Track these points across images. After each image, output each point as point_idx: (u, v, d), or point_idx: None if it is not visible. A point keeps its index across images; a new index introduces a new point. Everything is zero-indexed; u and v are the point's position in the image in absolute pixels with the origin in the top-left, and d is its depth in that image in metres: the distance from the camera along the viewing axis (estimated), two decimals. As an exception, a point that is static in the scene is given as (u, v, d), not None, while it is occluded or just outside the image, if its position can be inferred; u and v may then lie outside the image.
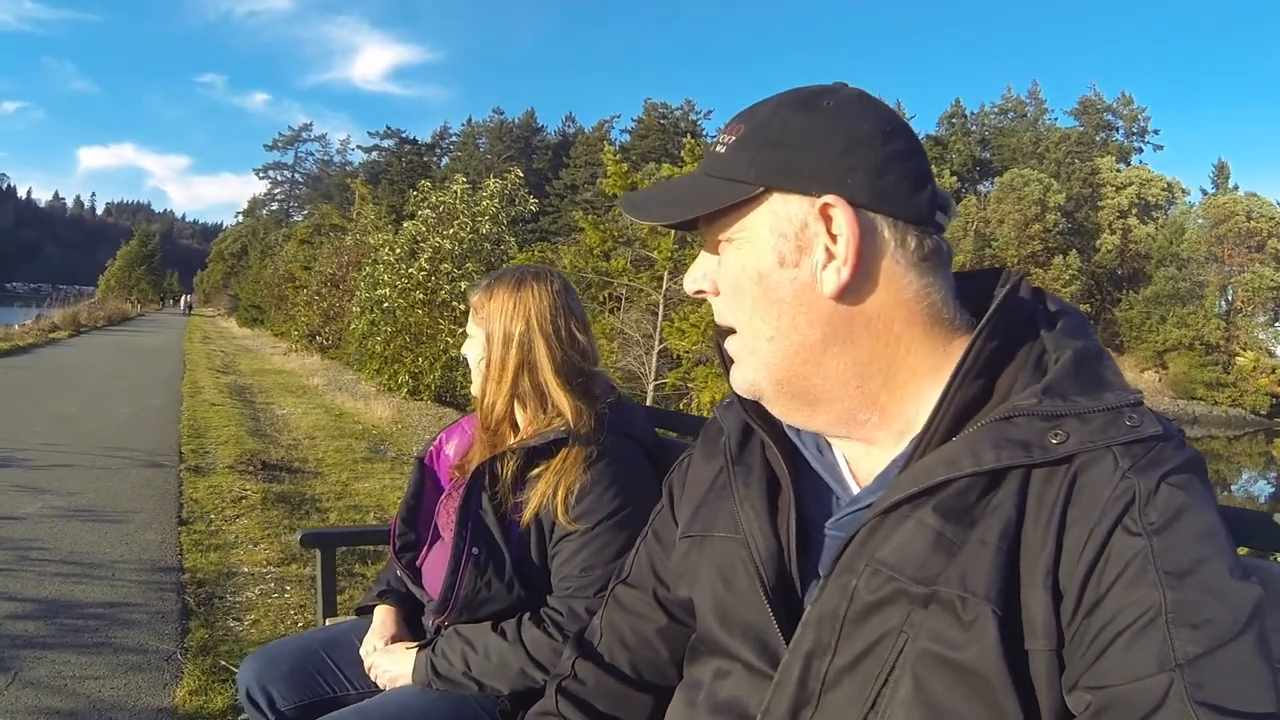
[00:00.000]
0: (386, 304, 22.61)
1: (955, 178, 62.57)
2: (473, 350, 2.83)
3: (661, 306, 19.51)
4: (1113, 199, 79.01)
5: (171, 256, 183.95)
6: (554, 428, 2.64)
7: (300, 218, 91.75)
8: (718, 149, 1.47)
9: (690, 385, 18.32)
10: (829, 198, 1.37)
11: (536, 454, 2.63)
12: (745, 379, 1.47)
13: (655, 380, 19.82)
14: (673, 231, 19.35)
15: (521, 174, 26.38)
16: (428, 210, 24.16)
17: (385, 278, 23.04)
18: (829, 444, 1.54)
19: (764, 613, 1.45)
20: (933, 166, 1.48)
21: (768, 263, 1.42)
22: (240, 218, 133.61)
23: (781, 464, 1.53)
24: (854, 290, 1.38)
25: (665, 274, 19.05)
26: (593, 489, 2.56)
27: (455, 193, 24.14)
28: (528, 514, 2.59)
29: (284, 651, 2.85)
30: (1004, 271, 1.52)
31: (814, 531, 1.48)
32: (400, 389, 21.48)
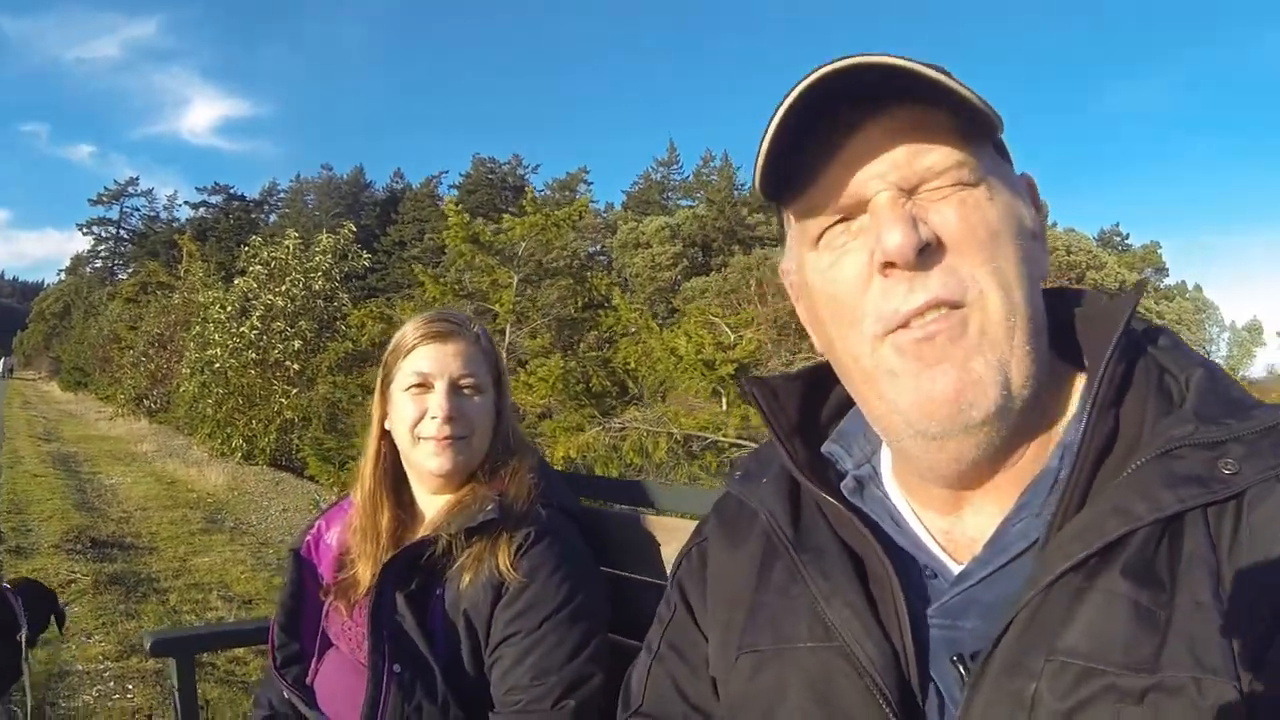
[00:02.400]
0: (218, 364, 21.96)
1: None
2: (479, 400, 2.41)
3: (504, 360, 19.24)
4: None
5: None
6: (479, 505, 2.25)
7: (126, 275, 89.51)
8: (914, 65, 1.11)
9: (539, 440, 18.07)
10: (1026, 174, 1.26)
11: (464, 536, 2.23)
12: (990, 371, 1.13)
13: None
14: (514, 283, 19.26)
15: (354, 228, 26.01)
16: (259, 266, 23.61)
17: (216, 337, 22.46)
18: (901, 514, 1.31)
19: None
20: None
21: (1027, 219, 1.22)
22: (63, 275, 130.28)
23: (870, 538, 1.25)
24: None
25: (508, 326, 18.77)
26: (534, 578, 2.19)
27: (287, 248, 23.71)
28: (456, 612, 2.20)
29: None
30: (1073, 291, 1.34)
31: (919, 624, 1.20)
32: (234, 453, 20.77)
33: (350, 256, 25.28)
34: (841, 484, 1.36)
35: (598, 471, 15.88)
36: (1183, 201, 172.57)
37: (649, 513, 2.65)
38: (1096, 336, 1.22)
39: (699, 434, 13.94)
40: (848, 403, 1.42)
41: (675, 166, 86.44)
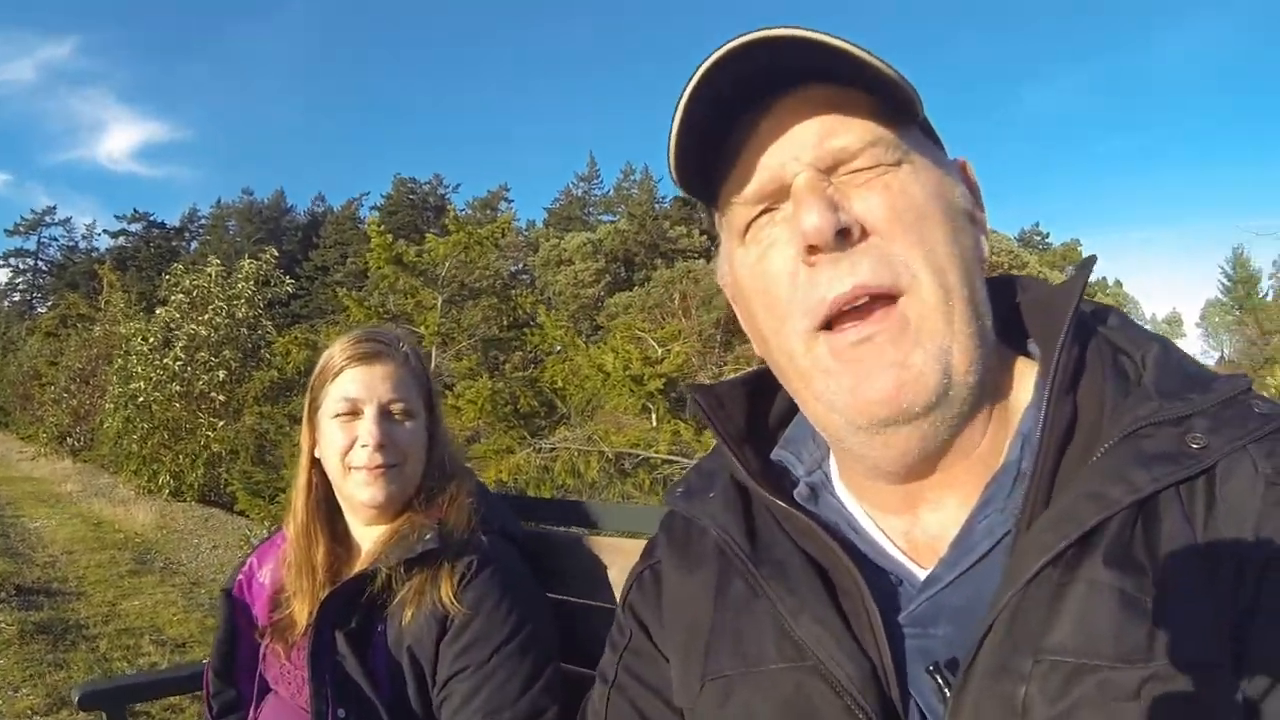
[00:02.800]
0: (141, 398, 21.45)
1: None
2: (411, 425, 2.34)
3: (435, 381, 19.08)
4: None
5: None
6: (418, 535, 2.17)
7: (45, 309, 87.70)
8: (827, 38, 1.07)
9: (469, 465, 17.93)
10: (960, 158, 1.23)
11: (403, 569, 2.16)
12: (930, 361, 1.11)
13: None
14: (438, 305, 19.12)
15: (276, 253, 25.67)
16: (181, 295, 23.14)
17: (139, 370, 21.93)
18: (857, 520, 1.27)
19: None
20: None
21: (959, 199, 1.19)
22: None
23: (835, 547, 1.20)
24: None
25: (434, 349, 18.62)
26: (480, 609, 2.12)
27: (210, 275, 23.25)
28: (399, 649, 2.12)
29: None
30: (1013, 278, 1.34)
31: (894, 635, 1.16)
32: (161, 490, 20.23)
33: (273, 283, 24.85)
34: (795, 492, 1.33)
35: (530, 494, 15.79)
36: (1100, 199, 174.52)
37: (592, 534, 2.59)
38: (1046, 321, 1.22)
39: (630, 451, 13.87)
40: (794, 407, 1.38)
41: (596, 181, 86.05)
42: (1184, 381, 1.11)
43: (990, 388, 1.18)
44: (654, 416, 14.67)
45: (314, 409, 2.37)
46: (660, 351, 16.09)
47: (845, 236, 1.10)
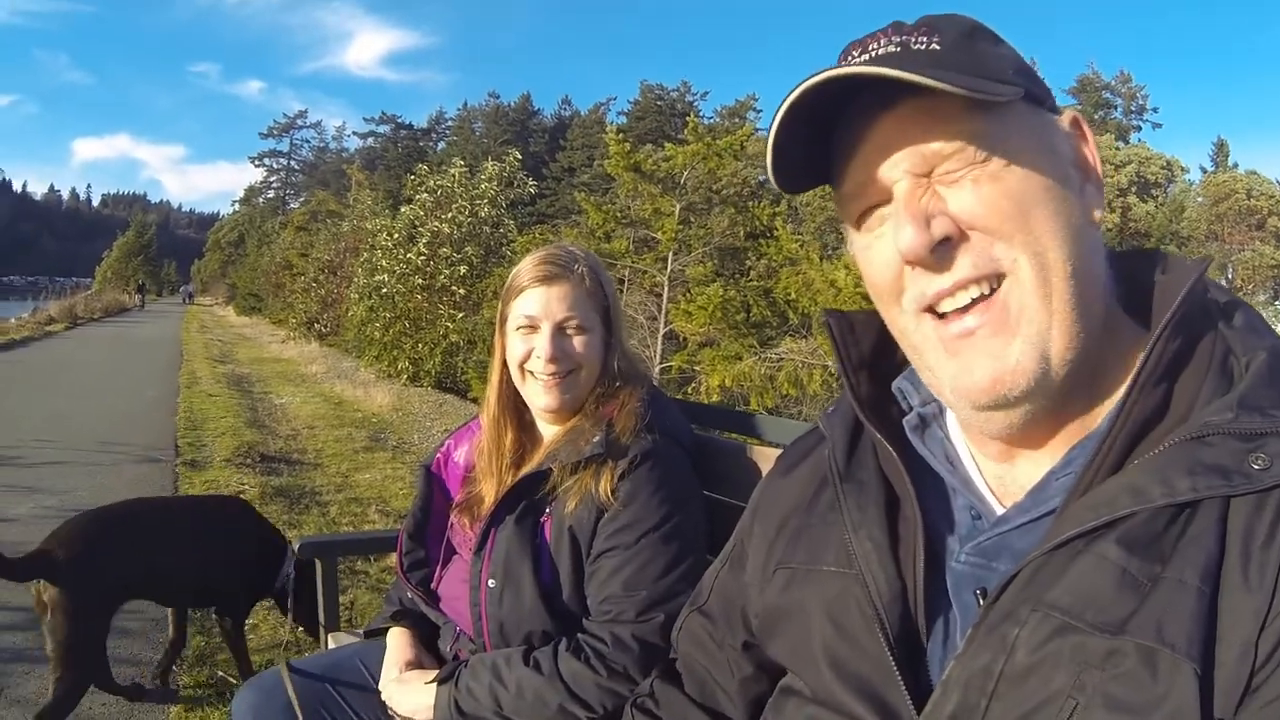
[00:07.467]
0: (385, 290, 22.41)
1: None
2: (585, 338, 2.52)
3: (666, 288, 19.27)
4: (1112, 177, 76.86)
5: (168, 247, 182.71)
6: (586, 438, 2.38)
7: (297, 205, 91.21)
8: (919, 45, 1.14)
9: (697, 368, 18.07)
10: (1071, 111, 1.20)
11: (570, 468, 2.37)
12: (1029, 350, 1.13)
13: (661, 364, 19.75)
14: (675, 212, 19.25)
15: (520, 156, 26.11)
16: (425, 194, 23.96)
17: (383, 263, 22.89)
18: (958, 454, 1.32)
19: (885, 668, 1.21)
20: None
21: (1054, 176, 1.15)
22: (237, 206, 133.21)
23: (906, 480, 1.28)
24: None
25: (670, 255, 18.79)
26: (635, 498, 2.30)
27: (453, 176, 23.99)
28: (561, 531, 2.35)
29: (283, 681, 2.58)
30: (1158, 255, 1.28)
31: (940, 557, 1.24)
32: (400, 375, 21.26)
33: (516, 183, 25.43)
34: (905, 419, 1.38)
35: (753, 401, 15.83)
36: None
37: (757, 445, 2.72)
38: (1162, 307, 1.19)
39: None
40: None
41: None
42: (1277, 396, 1.07)
43: (1099, 358, 1.18)
44: (883, 335, 14.58)
45: (503, 320, 2.59)
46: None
47: (945, 243, 1.13)
